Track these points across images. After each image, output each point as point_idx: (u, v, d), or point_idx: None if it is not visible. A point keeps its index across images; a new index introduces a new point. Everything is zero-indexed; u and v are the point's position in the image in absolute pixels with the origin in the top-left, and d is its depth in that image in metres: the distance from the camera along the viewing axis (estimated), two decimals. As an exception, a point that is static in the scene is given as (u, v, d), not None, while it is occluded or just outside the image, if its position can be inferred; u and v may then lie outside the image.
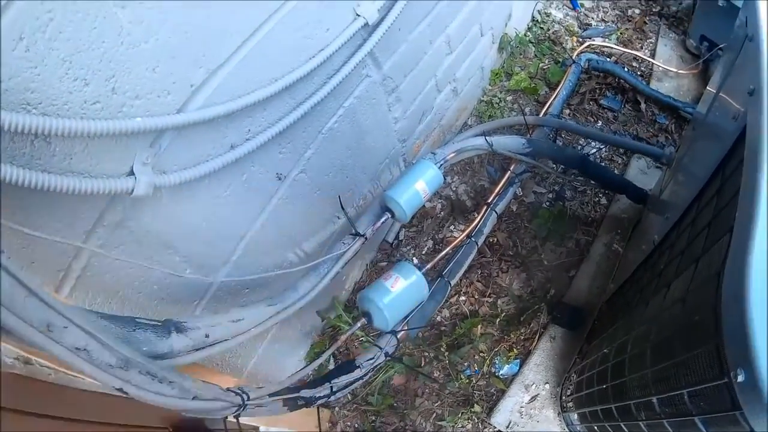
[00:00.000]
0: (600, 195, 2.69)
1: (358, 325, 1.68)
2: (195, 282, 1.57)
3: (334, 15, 1.62)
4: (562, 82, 3.00)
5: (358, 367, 1.78)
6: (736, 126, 1.01)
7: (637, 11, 3.53)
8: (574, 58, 3.10)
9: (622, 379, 1.30)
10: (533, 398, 2.08)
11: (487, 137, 2.24)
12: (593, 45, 3.25)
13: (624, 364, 1.30)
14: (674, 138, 2.82)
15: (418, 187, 1.84)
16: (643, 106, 2.93)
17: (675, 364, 0.98)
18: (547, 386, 2.10)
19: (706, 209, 1.15)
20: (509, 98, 3.15)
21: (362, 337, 2.33)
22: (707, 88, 1.70)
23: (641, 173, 2.69)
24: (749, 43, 1.08)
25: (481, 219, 2.46)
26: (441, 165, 2.04)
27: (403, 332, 1.86)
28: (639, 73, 3.15)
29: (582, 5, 3.55)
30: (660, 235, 1.56)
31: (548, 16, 3.47)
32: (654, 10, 3.53)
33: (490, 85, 3.20)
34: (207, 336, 1.31)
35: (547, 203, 2.71)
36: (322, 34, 1.60)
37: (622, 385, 1.30)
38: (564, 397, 1.99)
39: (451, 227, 2.72)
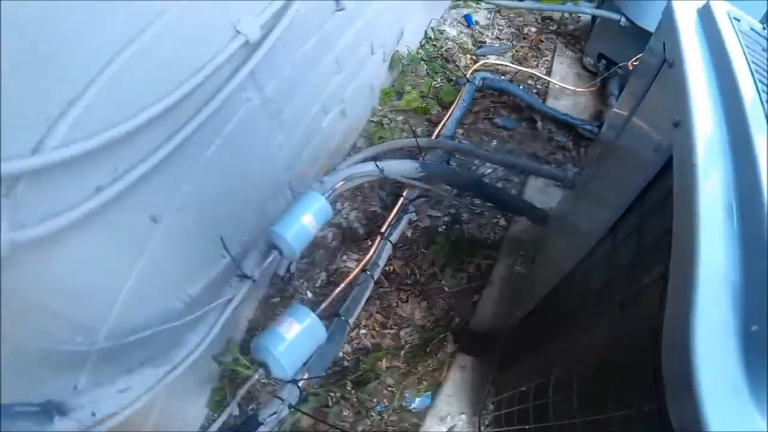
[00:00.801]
0: (498, 216, 2.66)
1: (255, 377, 1.57)
2: (73, 347, 1.33)
3: (210, 33, 1.44)
4: (456, 102, 2.97)
5: (262, 423, 1.65)
6: (658, 158, 0.94)
7: (533, 29, 3.60)
8: (468, 76, 3.08)
9: (547, 423, 1.22)
10: (450, 430, 2.00)
11: (377, 162, 2.14)
12: (488, 63, 3.26)
13: (547, 408, 1.22)
14: (572, 155, 2.87)
15: (306, 221, 1.74)
16: (539, 124, 2.97)
17: (609, 420, 0.89)
18: (464, 416, 2.02)
19: (624, 247, 1.08)
20: (400, 118, 3.07)
21: (264, 379, 2.14)
22: (615, 110, 1.68)
23: (539, 192, 2.70)
24: (669, 70, 1.02)
25: (375, 251, 2.36)
26: (329, 195, 1.92)
27: (304, 381, 1.72)
28: (535, 91, 3.20)
29: (477, 23, 3.57)
30: (570, 264, 1.50)
31: (441, 33, 3.46)
32: (551, 28, 3.63)
33: (380, 104, 3.11)
34: (93, 414, 1.20)
35: (444, 227, 2.64)
36: (198, 54, 1.41)
37: (547, 429, 1.22)
38: (483, 428, 1.92)
39: (344, 257, 2.58)
